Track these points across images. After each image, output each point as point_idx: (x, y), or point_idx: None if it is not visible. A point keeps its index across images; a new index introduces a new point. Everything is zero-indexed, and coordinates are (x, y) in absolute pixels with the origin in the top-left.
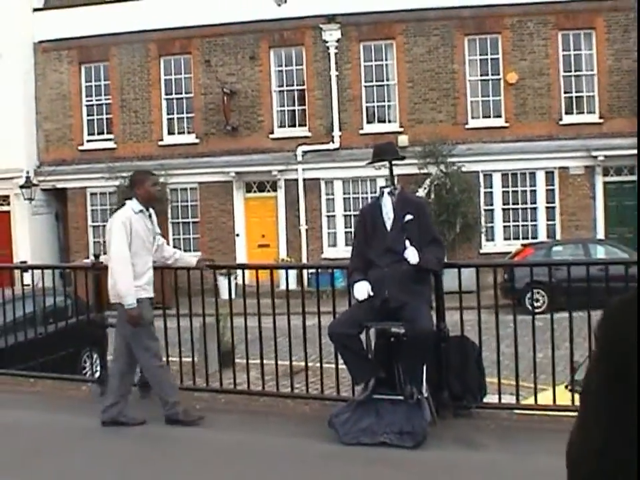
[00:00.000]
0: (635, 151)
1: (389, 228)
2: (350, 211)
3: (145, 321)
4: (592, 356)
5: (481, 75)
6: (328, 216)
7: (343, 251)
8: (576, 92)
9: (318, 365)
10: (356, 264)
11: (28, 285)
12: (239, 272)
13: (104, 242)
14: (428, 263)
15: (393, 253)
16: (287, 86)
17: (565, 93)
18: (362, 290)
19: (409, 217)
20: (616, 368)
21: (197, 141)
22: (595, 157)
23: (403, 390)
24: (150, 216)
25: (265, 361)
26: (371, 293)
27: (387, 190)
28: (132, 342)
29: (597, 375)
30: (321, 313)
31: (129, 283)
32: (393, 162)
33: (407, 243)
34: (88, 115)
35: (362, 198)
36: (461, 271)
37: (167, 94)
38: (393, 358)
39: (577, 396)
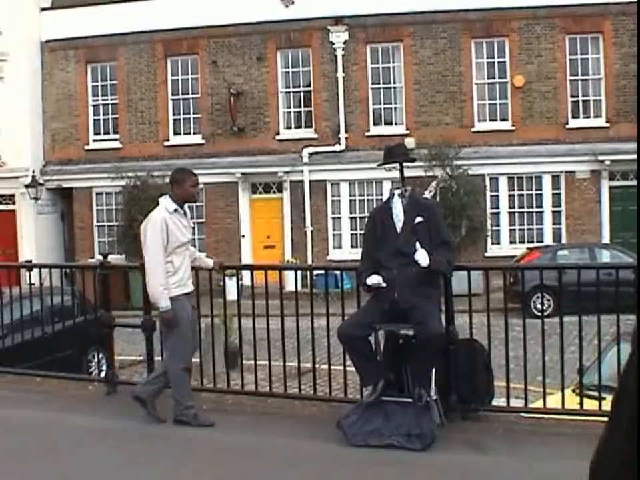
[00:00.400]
0: None
1: (399, 230)
2: (355, 213)
3: (178, 322)
4: (629, 363)
5: (488, 78)
6: (333, 218)
7: (348, 253)
8: (583, 96)
9: (326, 366)
10: (366, 265)
11: (33, 284)
12: (246, 273)
13: (109, 241)
14: (439, 266)
15: (402, 255)
16: (293, 87)
17: (572, 96)
18: (374, 278)
19: (419, 219)
20: None
21: (203, 141)
22: (602, 161)
23: (411, 392)
24: (185, 213)
25: (272, 362)
26: (382, 283)
27: (397, 192)
28: (163, 339)
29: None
30: (330, 314)
31: (161, 287)
32: (404, 164)
33: (418, 245)
34: (94, 115)
35: (367, 200)
36: (470, 274)
37: (173, 94)
38: (402, 360)
39: (585, 399)
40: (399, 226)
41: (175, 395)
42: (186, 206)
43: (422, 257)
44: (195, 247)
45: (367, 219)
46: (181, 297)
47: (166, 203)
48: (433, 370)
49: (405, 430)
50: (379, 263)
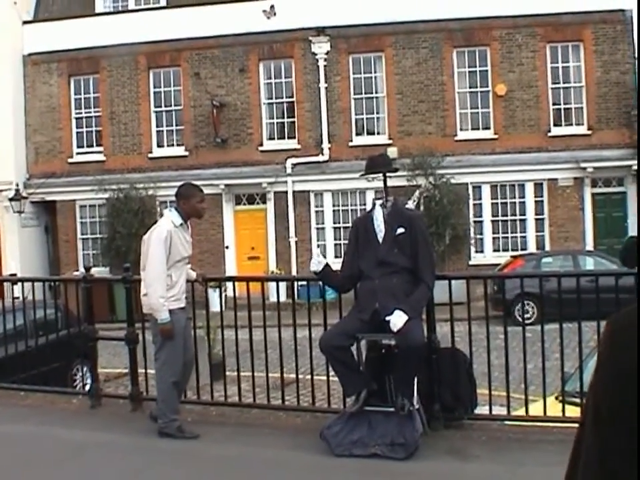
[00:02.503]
0: (623, 162)
1: (380, 240)
2: (339, 223)
3: (175, 334)
4: (596, 366)
5: (470, 87)
6: (317, 228)
7: (332, 263)
8: (564, 104)
9: (309, 377)
10: (345, 273)
11: (17, 298)
12: (229, 284)
13: (94, 254)
14: (414, 312)
15: (384, 265)
16: (276, 98)
17: (554, 104)
18: (313, 263)
19: (401, 230)
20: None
21: (186, 153)
22: (584, 169)
23: (394, 401)
24: (188, 228)
25: (255, 373)
26: (320, 260)
27: (379, 202)
28: (155, 351)
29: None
30: (312, 325)
31: (162, 299)
32: (386, 174)
33: (396, 312)
34: (77, 128)
35: (351, 210)
36: (451, 283)
37: (156, 106)
38: (384, 370)
39: (567, 407)
40: (380, 236)
41: (161, 407)
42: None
43: (395, 321)
44: None
45: (350, 229)
46: (176, 310)
47: (172, 216)
48: (416, 379)
49: (388, 439)
50: (360, 273)
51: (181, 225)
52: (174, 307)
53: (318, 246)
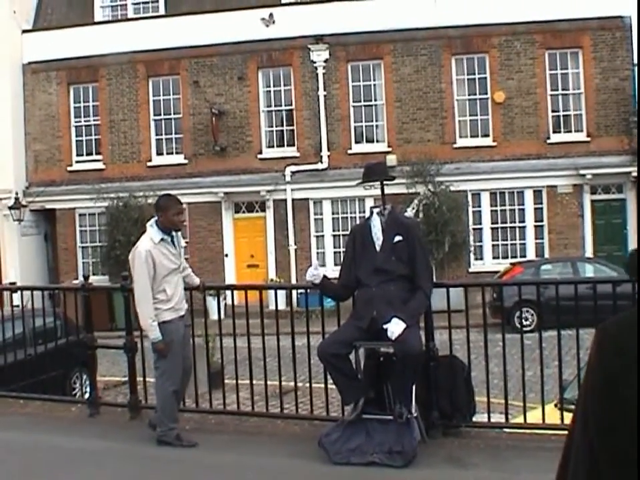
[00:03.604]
0: (623, 169)
1: (378, 248)
2: (339, 230)
3: (171, 348)
4: (586, 373)
5: (469, 95)
6: (317, 236)
7: (331, 271)
8: (563, 111)
9: (307, 385)
10: (342, 281)
11: (17, 306)
12: (228, 292)
13: (93, 262)
14: (412, 320)
15: (381, 273)
16: (275, 106)
17: (553, 111)
18: (309, 273)
19: (398, 238)
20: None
21: (185, 161)
22: (583, 176)
23: (392, 409)
24: (172, 239)
25: (254, 382)
26: (316, 264)
27: (376, 210)
28: (154, 359)
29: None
30: (310, 333)
31: (150, 320)
32: (384, 182)
33: (394, 320)
34: (77, 136)
35: (350, 218)
36: (449, 291)
37: (155, 115)
38: (383, 377)
39: (566, 414)
40: (377, 244)
41: (160, 415)
42: (176, 234)
43: (393, 329)
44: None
45: (347, 236)
46: (175, 320)
47: (152, 233)
48: (414, 387)
49: (386, 447)
50: (358, 281)
51: (162, 240)
52: (172, 317)
53: (317, 254)
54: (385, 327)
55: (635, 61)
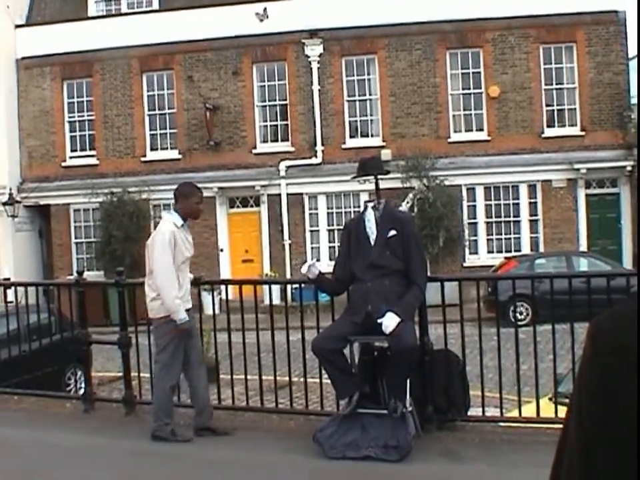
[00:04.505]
0: (617, 163)
1: (372, 243)
2: (333, 225)
3: (177, 337)
4: (580, 367)
5: (463, 89)
6: (311, 231)
7: (326, 266)
8: (557, 105)
9: (302, 379)
10: (338, 275)
11: (11, 302)
12: (223, 287)
13: (88, 258)
14: (407, 314)
15: (376, 267)
16: (269, 101)
17: (547, 106)
18: (304, 266)
19: (392, 232)
20: (602, 377)
21: (179, 156)
22: (577, 170)
23: (387, 404)
24: (188, 228)
25: (249, 377)
26: (312, 262)
27: (370, 204)
28: (156, 353)
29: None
30: (305, 327)
31: (177, 300)
32: (378, 176)
33: (388, 314)
34: (71, 132)
35: (345, 212)
36: (444, 285)
37: (149, 110)
38: (377, 372)
39: (560, 408)
40: (372, 238)
41: (157, 410)
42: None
43: (387, 323)
44: None
45: (342, 230)
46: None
47: (173, 217)
48: (408, 381)
49: (381, 441)
50: (352, 275)
51: (182, 225)
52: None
53: (312, 249)
54: (379, 321)
55: (632, 56)
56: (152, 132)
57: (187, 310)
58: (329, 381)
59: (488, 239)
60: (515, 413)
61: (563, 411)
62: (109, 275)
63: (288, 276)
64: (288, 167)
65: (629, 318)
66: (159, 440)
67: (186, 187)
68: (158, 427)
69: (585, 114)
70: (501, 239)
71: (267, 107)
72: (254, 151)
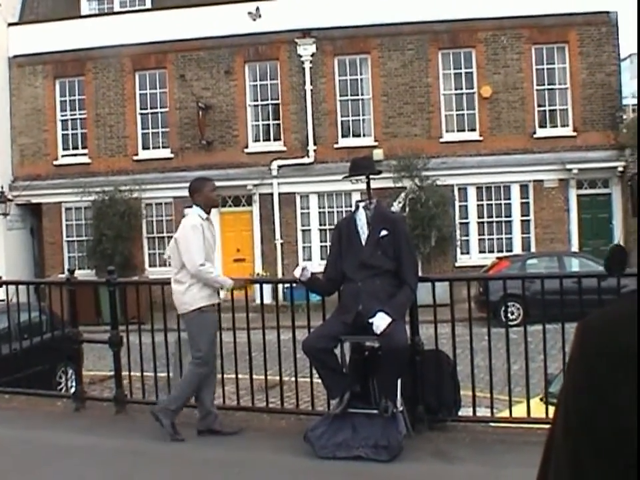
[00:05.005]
0: (609, 164)
1: (363, 242)
2: (325, 225)
3: (211, 328)
4: (567, 367)
5: (455, 89)
6: (303, 230)
7: (318, 265)
8: (550, 105)
9: (293, 379)
10: (328, 275)
11: (2, 301)
12: None
13: (79, 256)
14: (398, 314)
15: (367, 267)
16: (261, 100)
17: (539, 106)
18: (297, 270)
19: (384, 232)
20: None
21: (171, 155)
22: (569, 170)
23: (378, 404)
24: (211, 223)
25: (239, 376)
26: (305, 266)
27: (362, 204)
28: (190, 342)
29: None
30: (296, 327)
31: (219, 277)
32: (370, 176)
33: (380, 314)
34: (63, 130)
35: (337, 212)
36: (435, 285)
37: (141, 109)
38: (368, 372)
39: (551, 408)
40: (363, 238)
41: (177, 394)
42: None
43: (378, 323)
44: (164, 264)
45: (333, 230)
46: (209, 307)
47: (197, 211)
48: (399, 381)
49: (372, 441)
50: (343, 275)
51: (207, 218)
52: (208, 303)
53: (304, 248)
54: (370, 321)
55: (624, 57)
56: (144, 131)
57: (213, 305)
58: (319, 381)
59: (480, 239)
60: (505, 413)
61: (553, 411)
62: (101, 273)
63: (279, 275)
64: (280, 167)
65: (617, 318)
66: (155, 419)
67: (196, 181)
68: (165, 411)
69: (576, 114)
70: (493, 239)
71: (259, 106)
72: (246, 150)
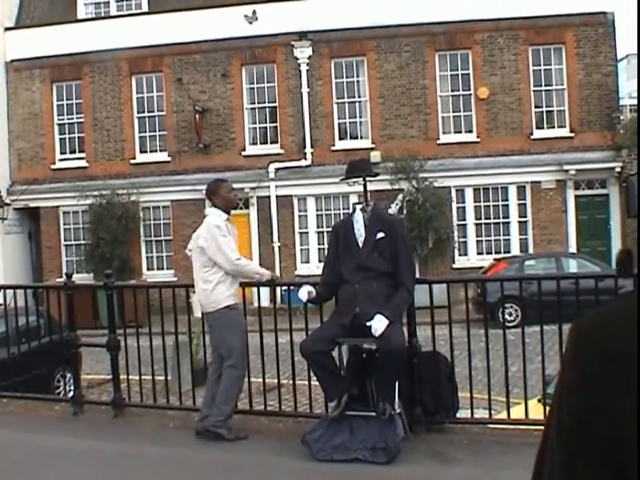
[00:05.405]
0: (606, 165)
1: (360, 245)
2: (322, 227)
3: (239, 325)
4: (561, 367)
5: (452, 91)
6: (301, 232)
7: (315, 268)
8: (546, 106)
9: (291, 382)
10: (325, 278)
11: (0, 305)
12: None
13: (77, 260)
14: (395, 316)
15: (364, 269)
16: (258, 103)
17: (536, 107)
18: (302, 292)
19: (381, 234)
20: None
21: (169, 159)
22: (566, 171)
23: (375, 406)
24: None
25: None
26: (313, 293)
27: (359, 206)
28: (218, 345)
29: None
30: (294, 330)
31: (256, 268)
32: (367, 178)
33: (377, 316)
34: (60, 134)
35: (334, 214)
36: (432, 287)
37: (138, 112)
38: (366, 374)
39: (549, 409)
40: (360, 240)
41: (224, 401)
42: None
43: (378, 325)
44: (162, 267)
45: (330, 233)
46: (236, 305)
47: (217, 212)
48: (397, 383)
49: (370, 444)
50: (340, 277)
51: (227, 219)
52: (234, 302)
53: (301, 251)
54: (368, 324)
55: (620, 57)
56: (141, 134)
57: (236, 304)
58: (317, 383)
59: (477, 241)
60: (503, 415)
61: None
62: (99, 277)
63: None
64: (277, 169)
65: (611, 319)
66: (213, 437)
67: (212, 184)
68: (218, 423)
69: (573, 115)
70: (490, 240)
71: (256, 109)
72: (243, 153)
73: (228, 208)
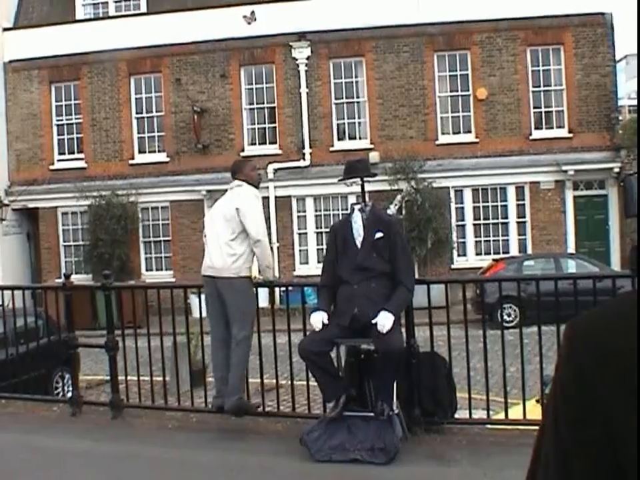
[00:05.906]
0: (605, 165)
1: (359, 245)
2: (321, 228)
3: (254, 296)
4: (556, 367)
5: (451, 91)
6: (299, 233)
7: (314, 268)
8: (545, 107)
9: (289, 382)
10: (325, 280)
11: None
12: None
13: (76, 261)
14: (398, 312)
15: (363, 270)
16: (257, 104)
17: (535, 108)
18: (317, 320)
19: (379, 234)
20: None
21: (167, 159)
22: (565, 172)
23: (374, 406)
24: None
25: None
26: (326, 322)
27: (357, 207)
28: (234, 313)
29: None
30: (292, 330)
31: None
32: (365, 179)
33: (382, 313)
34: (59, 135)
35: (333, 215)
36: (430, 287)
37: (137, 113)
38: (364, 375)
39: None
40: (358, 241)
41: (235, 383)
42: None
43: (384, 321)
44: (160, 268)
45: (328, 234)
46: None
47: (249, 186)
48: (395, 384)
49: (368, 444)
50: (339, 278)
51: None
52: (250, 275)
53: (300, 251)
54: (373, 321)
55: (619, 58)
56: (140, 135)
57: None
58: (316, 384)
59: (476, 241)
60: (501, 415)
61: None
62: (97, 278)
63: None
64: (276, 170)
65: (607, 318)
66: (240, 414)
67: (236, 162)
68: (239, 401)
69: (572, 116)
70: (489, 240)
71: (255, 110)
72: (242, 154)
73: (252, 185)
